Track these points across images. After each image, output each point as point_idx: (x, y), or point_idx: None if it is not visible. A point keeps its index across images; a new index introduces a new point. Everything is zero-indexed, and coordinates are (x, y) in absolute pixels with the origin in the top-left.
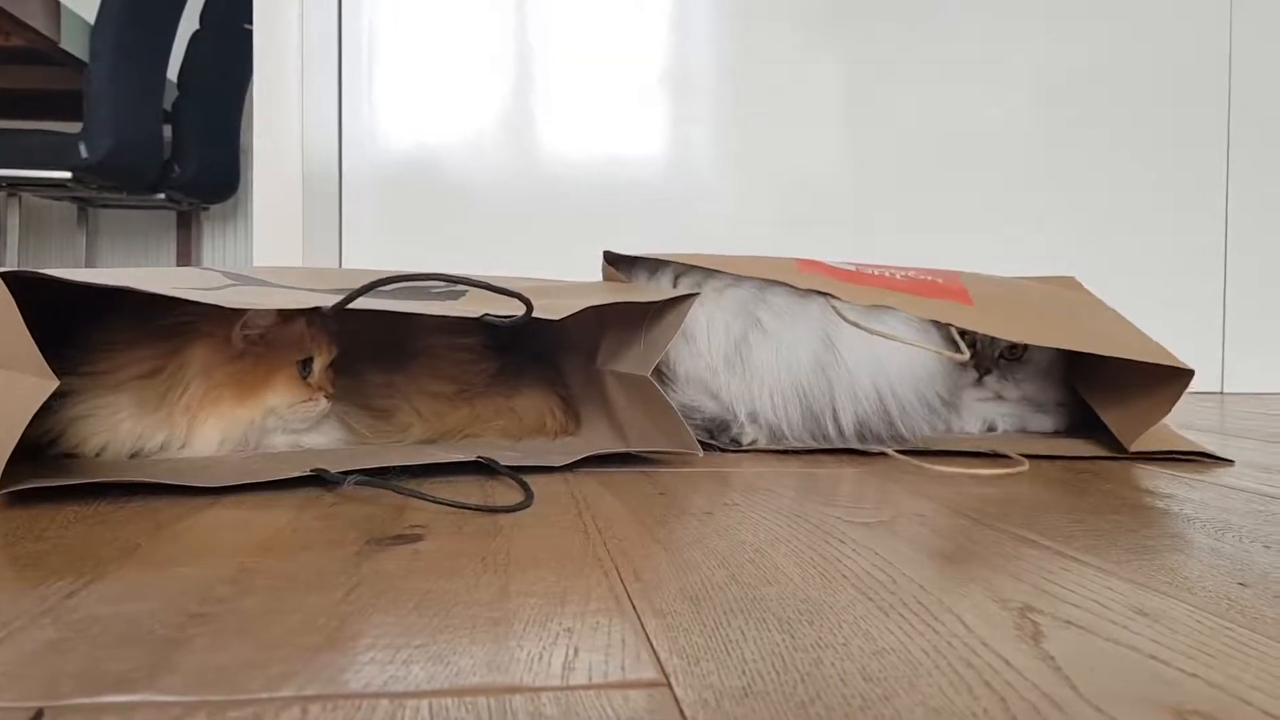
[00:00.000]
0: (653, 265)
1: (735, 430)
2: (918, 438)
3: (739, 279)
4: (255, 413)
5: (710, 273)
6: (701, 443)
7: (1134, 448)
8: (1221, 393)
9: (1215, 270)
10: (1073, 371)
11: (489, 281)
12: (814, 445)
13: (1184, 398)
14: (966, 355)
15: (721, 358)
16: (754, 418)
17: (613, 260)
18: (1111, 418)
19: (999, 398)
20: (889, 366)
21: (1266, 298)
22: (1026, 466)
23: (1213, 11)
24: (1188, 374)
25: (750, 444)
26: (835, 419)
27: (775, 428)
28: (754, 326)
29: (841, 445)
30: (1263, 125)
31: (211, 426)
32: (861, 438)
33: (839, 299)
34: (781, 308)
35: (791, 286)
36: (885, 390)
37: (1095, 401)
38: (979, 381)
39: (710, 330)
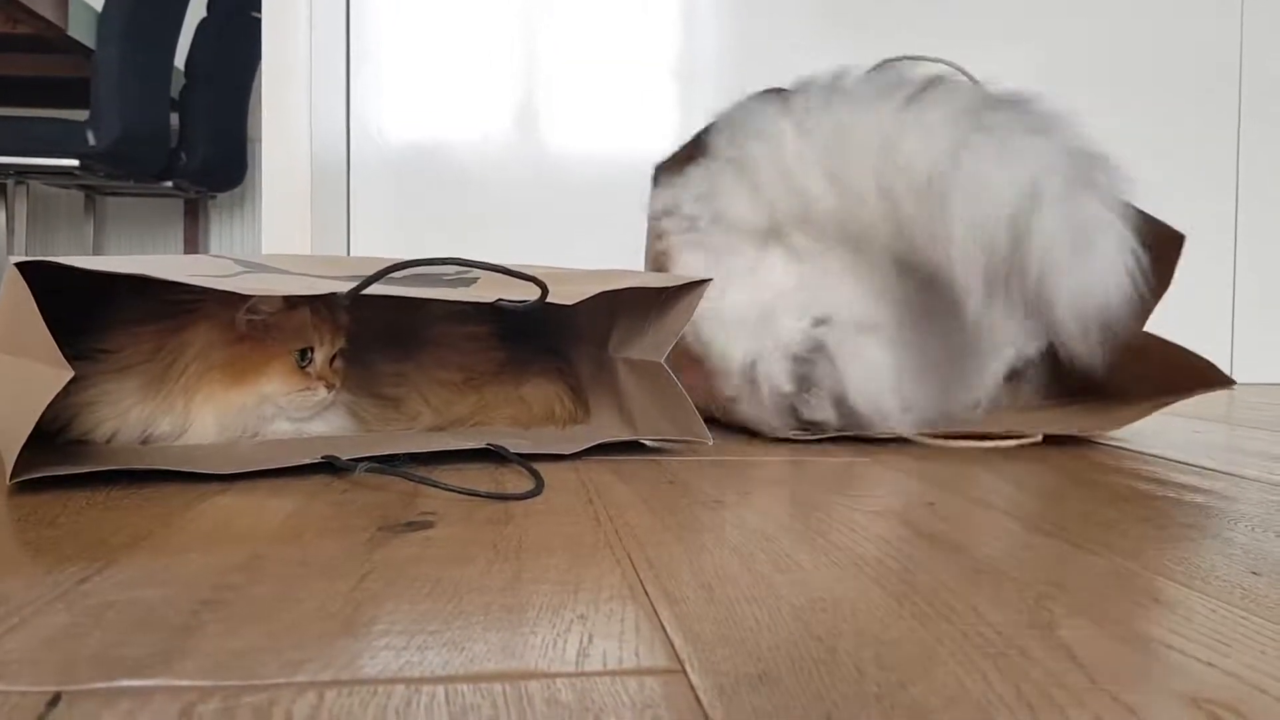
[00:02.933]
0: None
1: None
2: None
3: None
4: (249, 398)
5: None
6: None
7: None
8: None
9: (1224, 261)
10: None
11: (504, 266)
12: None
13: None
14: None
15: None
16: None
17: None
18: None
19: None
20: None
21: (1276, 289)
22: (1040, 438)
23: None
24: (1179, 238)
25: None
26: None
27: None
28: None
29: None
30: (1274, 112)
31: (208, 410)
32: None
33: None
34: None
35: None
36: None
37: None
38: None
39: None
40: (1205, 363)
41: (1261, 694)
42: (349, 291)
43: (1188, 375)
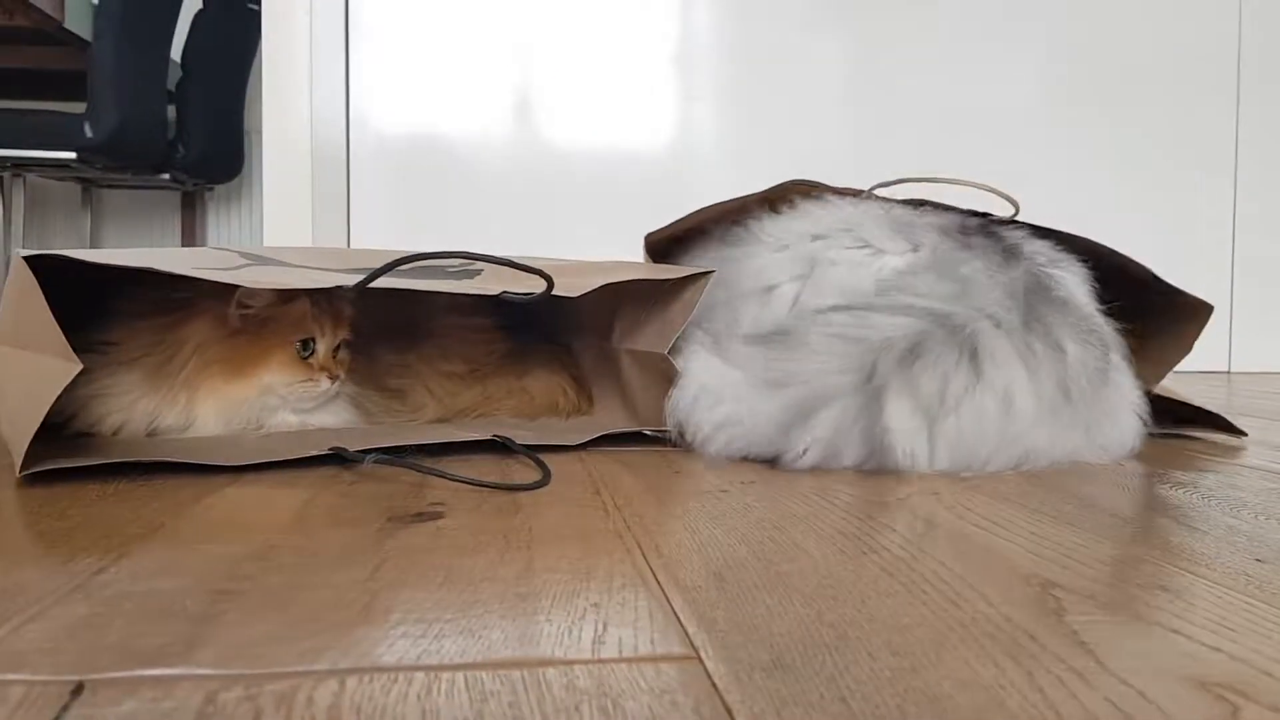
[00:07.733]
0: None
1: None
2: None
3: None
4: (250, 391)
5: None
6: None
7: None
8: (1229, 372)
9: (1223, 250)
10: None
11: (510, 259)
12: None
13: (1190, 377)
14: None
15: None
16: None
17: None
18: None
19: None
20: None
21: (1274, 277)
22: None
23: None
24: (1206, 309)
25: None
26: None
27: None
28: None
29: None
30: (1273, 98)
31: (210, 404)
32: None
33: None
34: None
35: None
36: None
37: None
38: None
39: None
40: (1217, 416)
41: (1267, 677)
42: (355, 285)
43: (1196, 419)
